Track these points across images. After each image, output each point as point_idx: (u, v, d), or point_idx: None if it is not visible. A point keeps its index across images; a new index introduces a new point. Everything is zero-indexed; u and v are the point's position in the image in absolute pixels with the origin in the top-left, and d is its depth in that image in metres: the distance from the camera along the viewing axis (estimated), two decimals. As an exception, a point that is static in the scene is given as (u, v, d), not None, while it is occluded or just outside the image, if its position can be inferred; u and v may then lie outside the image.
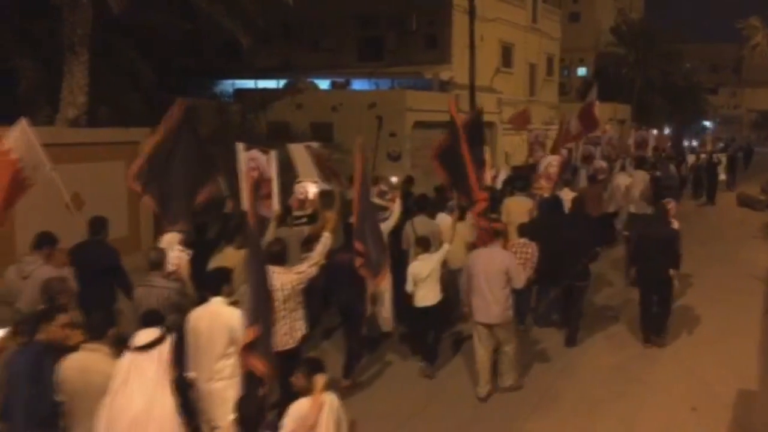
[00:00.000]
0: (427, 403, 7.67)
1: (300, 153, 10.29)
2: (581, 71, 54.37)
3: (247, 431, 4.39)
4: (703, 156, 24.10)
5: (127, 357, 4.39)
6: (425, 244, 8.24)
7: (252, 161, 8.54)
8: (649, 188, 14.49)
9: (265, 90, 26.36)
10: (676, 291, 10.02)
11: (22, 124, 7.45)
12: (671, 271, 9.23)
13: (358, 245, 7.17)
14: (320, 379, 4.68)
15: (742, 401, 7.87)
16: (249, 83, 28.18)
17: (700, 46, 62.55)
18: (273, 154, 8.70)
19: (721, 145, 30.04)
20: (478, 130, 10.50)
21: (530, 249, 9.09)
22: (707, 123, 56.81)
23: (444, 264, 8.39)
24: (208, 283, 5.94)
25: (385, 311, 8.98)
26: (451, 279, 8.77)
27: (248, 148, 8.72)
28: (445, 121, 24.76)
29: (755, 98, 75.99)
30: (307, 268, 6.67)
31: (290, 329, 6.40)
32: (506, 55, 31.70)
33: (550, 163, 14.01)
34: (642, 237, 9.66)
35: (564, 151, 16.53)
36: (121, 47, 14.97)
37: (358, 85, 28.03)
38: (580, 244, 9.29)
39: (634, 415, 7.51)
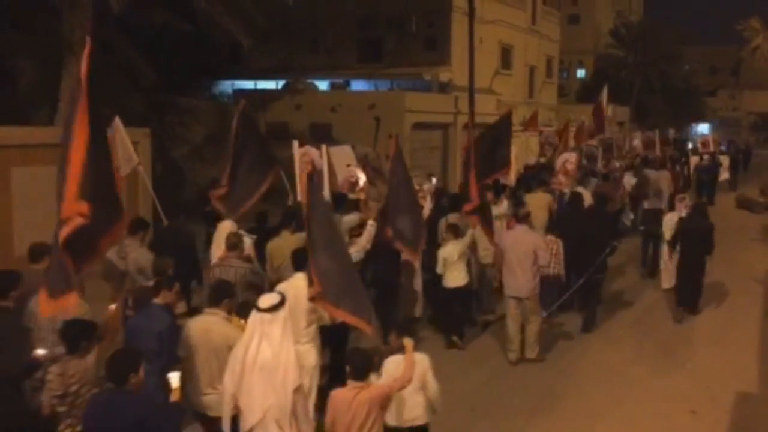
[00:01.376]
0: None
1: (346, 154, 11.20)
2: (580, 73, 54.47)
3: (358, 378, 4.88)
4: (705, 157, 24.30)
5: (256, 316, 5.07)
6: (455, 231, 9.00)
7: (305, 155, 9.44)
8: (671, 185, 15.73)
9: (264, 90, 26.38)
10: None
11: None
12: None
13: (388, 231, 8.07)
14: (409, 341, 5.29)
15: (742, 404, 7.87)
16: (248, 84, 28.19)
17: (699, 49, 62.57)
18: (324, 148, 9.70)
19: (722, 147, 30.24)
20: (506, 131, 11.37)
21: (556, 245, 9.85)
22: (704, 126, 56.86)
23: (475, 255, 9.44)
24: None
25: (417, 295, 9.79)
26: (482, 273, 10.02)
27: (302, 144, 9.79)
28: (443, 122, 24.96)
29: (754, 101, 76.04)
30: (354, 252, 7.34)
31: None
32: (506, 56, 31.70)
33: (568, 159, 14.38)
34: (684, 229, 10.86)
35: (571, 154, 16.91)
36: (121, 47, 14.95)
37: (357, 86, 28.04)
38: (601, 239, 10.03)
39: (634, 418, 7.51)
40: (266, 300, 5.12)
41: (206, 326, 5.53)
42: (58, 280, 4.81)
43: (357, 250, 7.66)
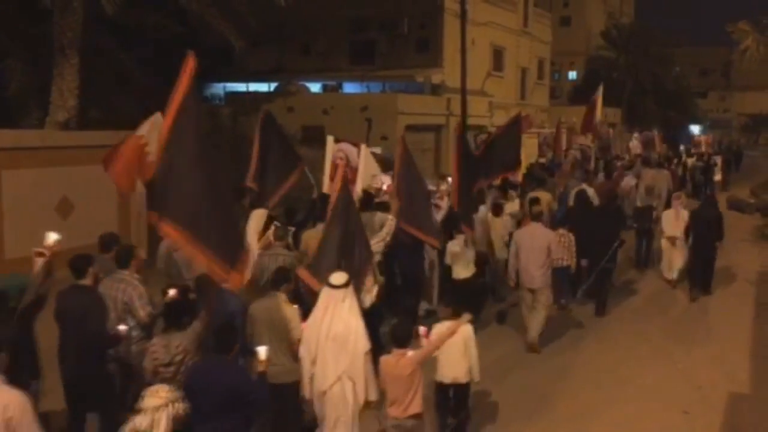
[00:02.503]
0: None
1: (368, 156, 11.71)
2: (572, 75, 54.60)
3: (400, 346, 5.68)
4: (704, 158, 24.89)
5: (327, 292, 5.86)
6: (460, 226, 9.69)
7: (340, 151, 10.08)
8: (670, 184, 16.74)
9: (256, 93, 26.33)
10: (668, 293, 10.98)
11: (157, 116, 8.90)
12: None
13: (405, 225, 8.79)
14: (466, 315, 6.32)
15: (734, 404, 7.90)
16: (240, 86, 28.13)
17: (689, 50, 62.82)
18: (362, 146, 10.39)
19: (714, 148, 30.78)
20: (516, 134, 12.37)
21: (568, 239, 10.51)
22: (695, 127, 57.11)
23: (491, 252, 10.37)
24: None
25: (433, 288, 10.48)
26: (496, 267, 11.01)
27: (338, 141, 10.49)
28: (436, 124, 24.98)
29: (744, 102, 76.47)
30: (374, 243, 8.13)
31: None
32: (497, 58, 31.77)
33: (568, 160, 15.91)
34: (695, 217, 12.13)
35: (576, 151, 18.46)
36: (112, 50, 14.90)
37: (350, 88, 28.03)
38: (611, 232, 11.12)
39: (626, 419, 7.52)
40: (336, 278, 5.90)
41: (269, 307, 6.22)
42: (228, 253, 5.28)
43: (377, 242, 8.47)
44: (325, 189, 9.65)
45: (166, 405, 3.90)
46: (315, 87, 27.71)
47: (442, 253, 9.95)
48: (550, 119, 34.67)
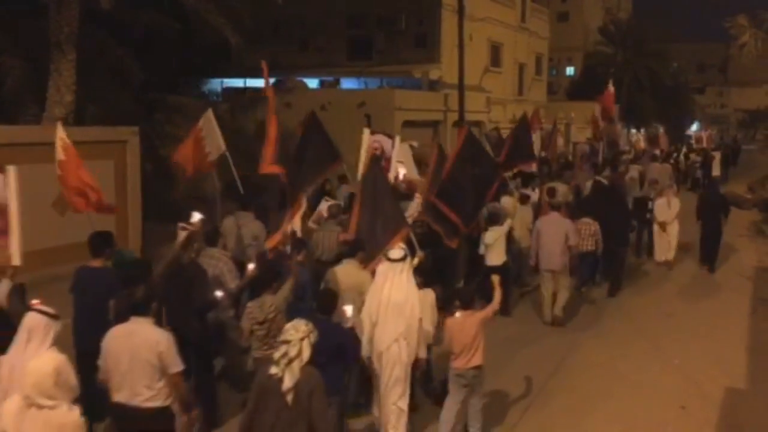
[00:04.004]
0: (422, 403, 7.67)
1: (404, 149, 12.54)
2: (570, 71, 54.56)
3: (465, 308, 6.65)
4: (699, 153, 25.24)
5: (386, 265, 6.63)
6: (495, 219, 10.59)
7: (375, 142, 10.79)
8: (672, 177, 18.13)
9: (253, 89, 26.29)
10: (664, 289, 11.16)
11: (209, 112, 10.44)
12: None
13: (442, 206, 9.51)
14: (496, 278, 7.30)
15: (731, 399, 7.93)
16: (238, 82, 28.07)
17: (687, 46, 63.00)
18: (397, 138, 11.06)
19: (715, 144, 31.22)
20: (525, 130, 13.61)
21: (594, 227, 11.38)
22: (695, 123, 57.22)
23: (511, 238, 10.93)
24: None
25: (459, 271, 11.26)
26: (519, 254, 11.57)
27: (373, 132, 11.16)
28: (433, 120, 24.96)
29: (742, 98, 76.54)
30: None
31: None
32: (495, 54, 31.75)
33: (584, 149, 17.54)
34: (703, 201, 14.30)
35: (586, 146, 19.44)
36: (110, 45, 14.84)
37: (347, 84, 28.00)
38: (626, 219, 12.63)
39: (624, 414, 7.54)
40: (395, 253, 6.68)
41: (347, 272, 7.33)
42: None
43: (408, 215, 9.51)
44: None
45: (307, 336, 4.65)
46: (313, 83, 27.67)
47: (468, 239, 10.75)
48: (547, 115, 34.66)
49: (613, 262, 12.18)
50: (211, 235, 7.85)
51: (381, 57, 27.64)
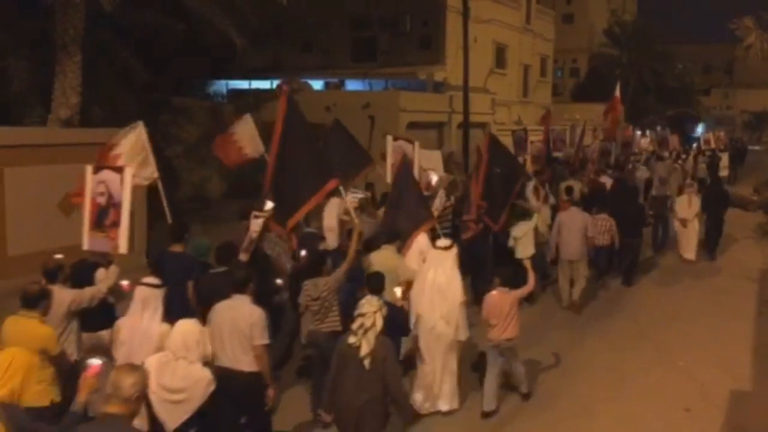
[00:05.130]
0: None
1: (435, 156, 13.20)
2: (575, 72, 54.48)
3: (505, 286, 7.51)
4: (707, 153, 25.44)
5: (433, 252, 7.62)
6: (523, 214, 11.37)
7: (399, 147, 11.45)
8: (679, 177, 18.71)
9: (258, 90, 26.32)
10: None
11: (247, 117, 10.95)
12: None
13: (480, 202, 10.55)
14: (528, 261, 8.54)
15: (736, 402, 7.90)
16: (243, 84, 28.13)
17: (692, 47, 62.80)
18: (416, 144, 11.65)
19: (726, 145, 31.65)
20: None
21: (609, 222, 11.93)
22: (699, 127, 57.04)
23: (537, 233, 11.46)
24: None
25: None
26: (542, 247, 11.82)
27: (396, 138, 11.91)
28: (438, 121, 24.95)
29: (747, 99, 76.13)
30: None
31: None
32: (500, 56, 31.73)
33: (594, 149, 18.28)
34: (707, 194, 15.35)
35: (598, 142, 19.75)
36: (115, 47, 14.87)
37: (352, 85, 28.03)
38: (642, 214, 13.68)
39: (629, 416, 7.52)
40: (442, 243, 7.67)
41: (386, 256, 8.03)
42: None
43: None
44: (389, 180, 10.88)
45: (380, 309, 5.50)
46: (317, 84, 27.70)
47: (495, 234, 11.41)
48: (552, 116, 34.61)
49: (628, 253, 12.84)
50: (178, 230, 8.12)
51: (385, 58, 27.67)
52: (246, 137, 10.86)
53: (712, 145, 28.40)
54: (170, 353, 5.01)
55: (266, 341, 5.86)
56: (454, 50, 26.06)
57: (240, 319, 5.79)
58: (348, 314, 6.16)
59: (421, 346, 7.32)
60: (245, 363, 5.79)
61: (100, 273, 6.82)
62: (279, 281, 8.02)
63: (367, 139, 19.47)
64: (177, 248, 7.63)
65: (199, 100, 23.36)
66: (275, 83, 26.74)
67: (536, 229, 11.37)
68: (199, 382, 5.00)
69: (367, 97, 22.47)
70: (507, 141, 15.23)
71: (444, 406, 7.43)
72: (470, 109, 23.53)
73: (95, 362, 4.31)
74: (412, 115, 22.18)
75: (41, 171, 11.60)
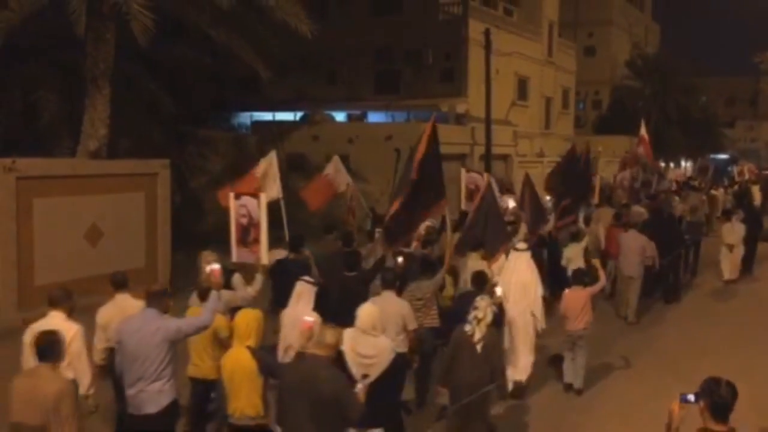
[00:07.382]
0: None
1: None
2: (597, 104, 54.37)
3: (579, 284, 9.08)
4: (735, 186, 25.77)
5: (513, 254, 9.04)
6: (576, 237, 12.68)
7: (471, 178, 13.39)
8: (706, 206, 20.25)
9: (282, 122, 26.60)
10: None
11: (335, 159, 13.90)
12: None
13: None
14: (596, 261, 10.33)
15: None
16: (266, 115, 28.45)
17: (716, 80, 62.42)
18: (487, 176, 12.96)
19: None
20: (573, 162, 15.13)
21: (650, 246, 12.78)
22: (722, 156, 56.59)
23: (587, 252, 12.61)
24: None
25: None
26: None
27: (468, 170, 13.90)
28: (460, 153, 24.98)
29: (773, 131, 75.45)
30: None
31: None
32: (522, 88, 31.84)
33: (624, 176, 19.27)
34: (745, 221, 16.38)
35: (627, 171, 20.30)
36: (143, 80, 15.15)
37: (374, 117, 28.24)
38: (681, 239, 14.95)
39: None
40: (520, 245, 9.16)
41: (474, 261, 9.39)
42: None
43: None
44: (463, 207, 12.89)
45: (490, 305, 6.74)
46: (340, 116, 27.92)
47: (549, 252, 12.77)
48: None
49: (668, 274, 14.10)
50: (296, 241, 10.11)
51: (408, 90, 27.87)
52: (334, 173, 13.19)
53: (746, 177, 28.51)
54: (359, 330, 6.18)
55: (415, 326, 7.34)
56: (476, 82, 26.20)
57: (391, 310, 7.13)
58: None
59: (508, 334, 8.54)
60: (397, 344, 6.87)
61: (236, 278, 8.09)
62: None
63: (392, 171, 19.58)
64: (293, 256, 9.67)
65: (223, 131, 23.65)
66: (299, 115, 27.02)
67: (586, 249, 12.58)
68: (384, 351, 6.16)
69: (389, 129, 22.62)
70: (532, 172, 15.32)
71: (522, 376, 8.69)
72: (492, 141, 23.58)
73: (309, 319, 5.74)
74: (435, 147, 22.22)
75: (69, 201, 11.77)
